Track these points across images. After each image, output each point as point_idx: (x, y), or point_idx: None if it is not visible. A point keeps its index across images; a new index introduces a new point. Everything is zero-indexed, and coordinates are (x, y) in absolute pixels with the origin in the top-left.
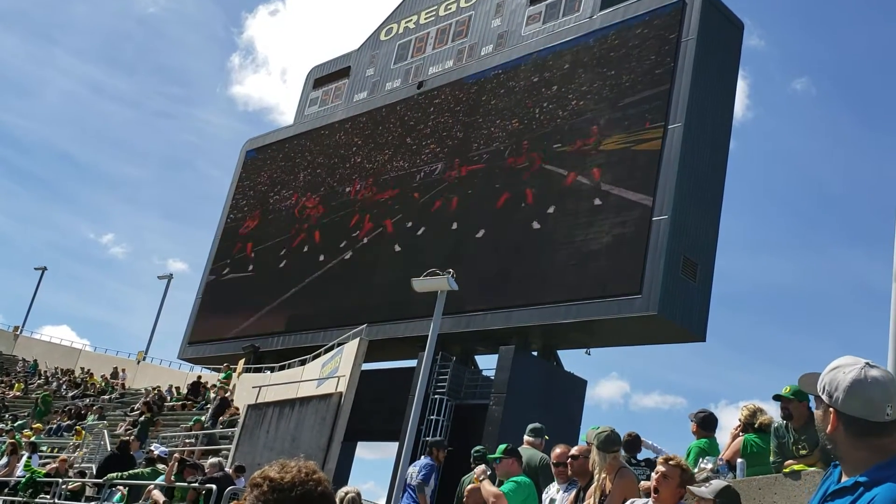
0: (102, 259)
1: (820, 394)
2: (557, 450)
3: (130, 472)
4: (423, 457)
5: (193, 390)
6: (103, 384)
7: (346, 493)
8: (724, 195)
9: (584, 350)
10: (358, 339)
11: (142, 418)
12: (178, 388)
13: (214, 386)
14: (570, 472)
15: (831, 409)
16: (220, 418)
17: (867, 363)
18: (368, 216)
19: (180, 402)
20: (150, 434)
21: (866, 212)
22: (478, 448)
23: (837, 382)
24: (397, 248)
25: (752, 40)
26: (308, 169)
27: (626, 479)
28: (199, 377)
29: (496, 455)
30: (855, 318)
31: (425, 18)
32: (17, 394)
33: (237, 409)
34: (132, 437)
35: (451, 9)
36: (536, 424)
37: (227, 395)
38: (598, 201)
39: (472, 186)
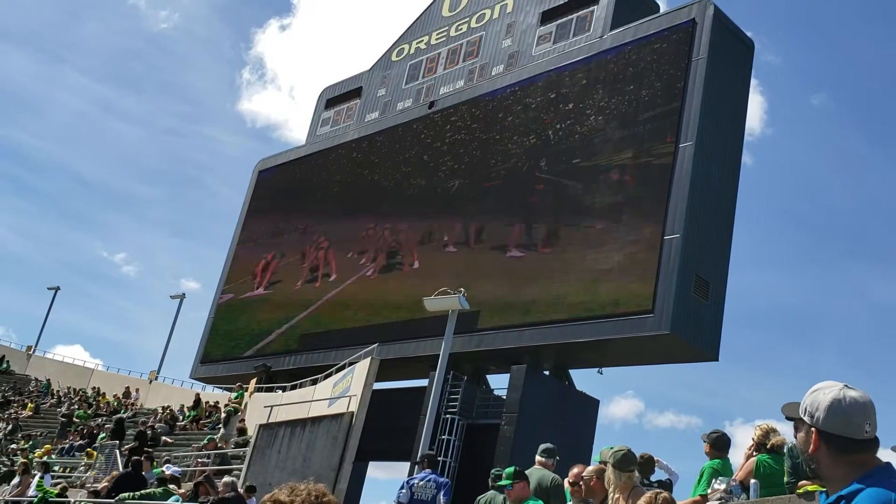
0: (115, 278)
1: (801, 416)
2: (575, 469)
3: (142, 492)
4: (426, 470)
5: (208, 410)
6: (115, 404)
7: None
8: (736, 212)
9: (597, 369)
10: (369, 358)
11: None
12: (189, 408)
13: (225, 405)
14: (582, 494)
15: (813, 430)
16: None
17: (845, 385)
18: (383, 235)
19: (193, 422)
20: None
21: (880, 229)
22: (496, 469)
23: (818, 403)
24: (416, 266)
25: (768, 56)
26: (324, 188)
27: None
28: (198, 395)
29: (505, 482)
30: (867, 337)
31: (436, 39)
32: (30, 414)
33: (246, 427)
34: (143, 457)
35: (461, 29)
36: (548, 445)
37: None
38: (611, 219)
39: (489, 203)
